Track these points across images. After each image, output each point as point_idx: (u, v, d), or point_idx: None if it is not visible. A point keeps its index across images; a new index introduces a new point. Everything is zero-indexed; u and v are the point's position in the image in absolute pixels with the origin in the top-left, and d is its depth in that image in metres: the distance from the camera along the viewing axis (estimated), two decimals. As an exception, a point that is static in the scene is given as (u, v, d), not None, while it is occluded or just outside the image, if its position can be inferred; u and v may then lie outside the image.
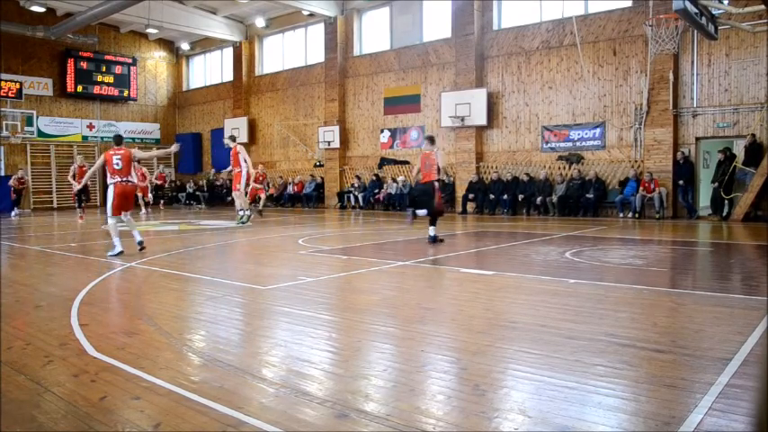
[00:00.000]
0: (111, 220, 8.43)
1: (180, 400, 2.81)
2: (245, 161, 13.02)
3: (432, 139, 9.74)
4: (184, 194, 24.91)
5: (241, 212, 13.26)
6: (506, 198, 16.41)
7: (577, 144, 15.96)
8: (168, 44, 27.17)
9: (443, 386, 3.04)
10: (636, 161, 14.99)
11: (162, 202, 22.77)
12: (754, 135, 13.19)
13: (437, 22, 18.72)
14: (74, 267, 7.41)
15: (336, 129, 20.81)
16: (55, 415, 2.69)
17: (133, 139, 25.64)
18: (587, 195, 15.12)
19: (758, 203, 13.08)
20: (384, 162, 19.89)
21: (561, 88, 16.23)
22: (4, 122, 21.08)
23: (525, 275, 6.43)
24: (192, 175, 26.29)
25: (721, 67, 13.89)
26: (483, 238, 10.44)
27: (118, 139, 8.65)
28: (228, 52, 25.19)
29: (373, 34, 20.65)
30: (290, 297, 5.37)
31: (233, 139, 13.42)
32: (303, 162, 22.49)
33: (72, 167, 16.66)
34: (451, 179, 18.09)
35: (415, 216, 9.59)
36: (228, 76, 25.39)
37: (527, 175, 16.40)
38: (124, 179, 8.34)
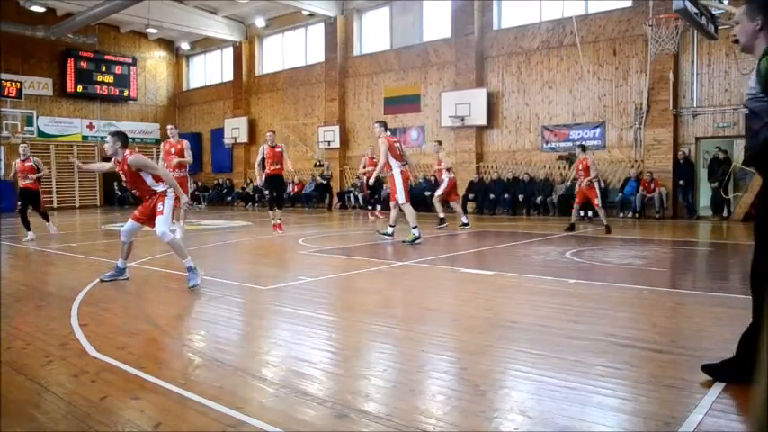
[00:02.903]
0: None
1: (180, 400, 2.81)
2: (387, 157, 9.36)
3: (583, 148, 11.50)
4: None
5: (415, 230, 9.18)
6: (506, 198, 16.41)
7: (577, 144, 15.93)
8: (168, 44, 27.17)
9: (443, 386, 3.04)
10: (636, 161, 14.99)
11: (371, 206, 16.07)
12: (754, 135, 13.18)
13: (437, 22, 18.72)
14: (74, 267, 7.41)
15: (336, 129, 20.81)
16: (55, 415, 2.69)
17: (133, 139, 25.62)
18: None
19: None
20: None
21: (561, 88, 16.23)
22: (4, 122, 21.08)
23: (525, 275, 6.43)
24: (192, 175, 26.25)
25: (721, 67, 13.89)
26: (483, 238, 10.44)
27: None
28: (228, 52, 25.19)
29: (373, 34, 20.65)
30: (290, 297, 5.37)
31: (384, 126, 9.49)
32: (303, 162, 22.49)
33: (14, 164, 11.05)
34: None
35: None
36: (228, 76, 25.39)
37: (527, 174, 16.40)
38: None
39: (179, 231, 8.70)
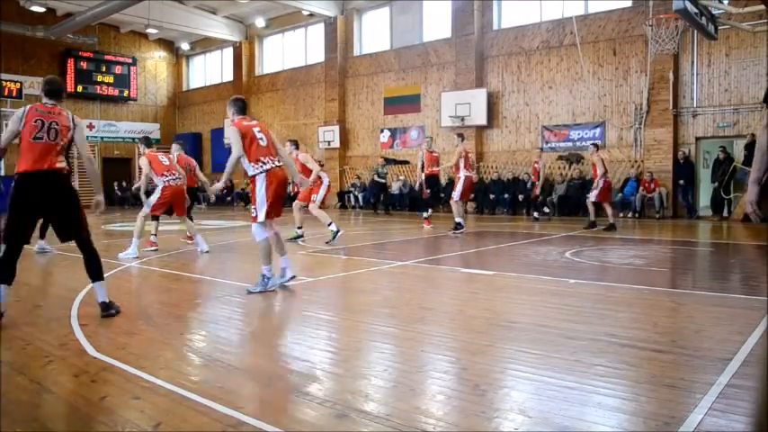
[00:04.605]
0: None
1: (180, 400, 2.81)
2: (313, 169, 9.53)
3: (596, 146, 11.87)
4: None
5: (299, 230, 10.09)
6: (506, 198, 16.41)
7: (577, 144, 15.96)
8: (168, 44, 27.17)
9: (443, 386, 3.04)
10: (636, 161, 14.99)
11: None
12: (753, 135, 13.19)
13: (437, 22, 18.73)
14: (74, 267, 7.39)
15: (336, 129, 20.81)
16: (55, 415, 2.68)
17: (133, 139, 25.65)
18: (587, 195, 15.10)
19: (758, 203, 13.07)
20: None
21: (561, 88, 16.23)
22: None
23: (525, 275, 6.43)
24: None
25: (721, 67, 13.90)
26: (483, 238, 10.44)
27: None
28: (228, 52, 25.20)
29: (373, 34, 20.66)
30: (290, 297, 5.37)
31: (296, 145, 9.73)
32: (303, 162, 22.48)
33: None
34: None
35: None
36: (228, 76, 25.40)
37: (527, 174, 16.40)
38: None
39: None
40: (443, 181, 15.30)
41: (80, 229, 4.50)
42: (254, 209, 5.40)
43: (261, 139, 5.35)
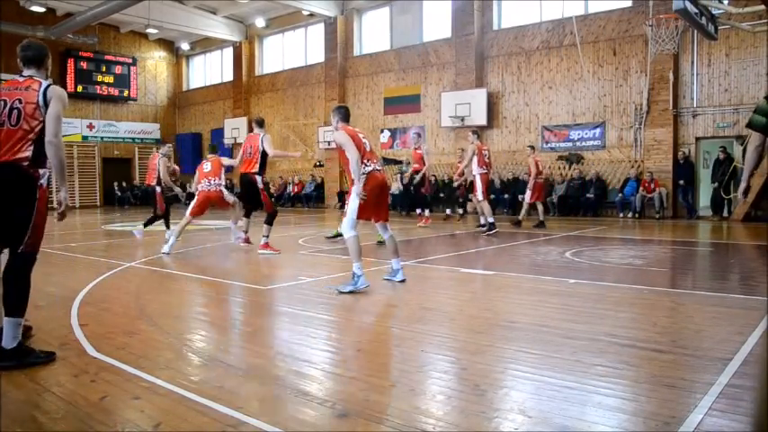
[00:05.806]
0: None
1: (180, 400, 2.81)
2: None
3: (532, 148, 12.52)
4: (185, 194, 24.86)
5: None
6: (506, 198, 16.41)
7: (577, 144, 15.96)
8: (168, 44, 27.17)
9: (443, 386, 3.04)
10: (636, 161, 14.99)
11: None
12: (753, 135, 13.19)
13: (437, 22, 18.73)
14: (74, 267, 7.40)
15: (336, 129, 20.78)
16: (55, 415, 2.69)
17: (133, 139, 25.67)
18: (587, 195, 15.13)
19: (758, 203, 13.08)
20: (384, 162, 19.88)
21: (561, 88, 16.23)
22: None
23: (525, 275, 6.43)
24: (192, 175, 26.27)
25: (721, 67, 13.90)
26: (483, 238, 10.44)
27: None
28: (228, 52, 25.20)
29: (373, 34, 20.66)
30: (290, 297, 5.37)
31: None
32: (303, 162, 22.50)
33: None
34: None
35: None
36: (228, 76, 25.39)
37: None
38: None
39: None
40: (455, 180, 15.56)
41: (20, 238, 3.38)
42: (347, 211, 5.61)
43: (365, 144, 5.67)
